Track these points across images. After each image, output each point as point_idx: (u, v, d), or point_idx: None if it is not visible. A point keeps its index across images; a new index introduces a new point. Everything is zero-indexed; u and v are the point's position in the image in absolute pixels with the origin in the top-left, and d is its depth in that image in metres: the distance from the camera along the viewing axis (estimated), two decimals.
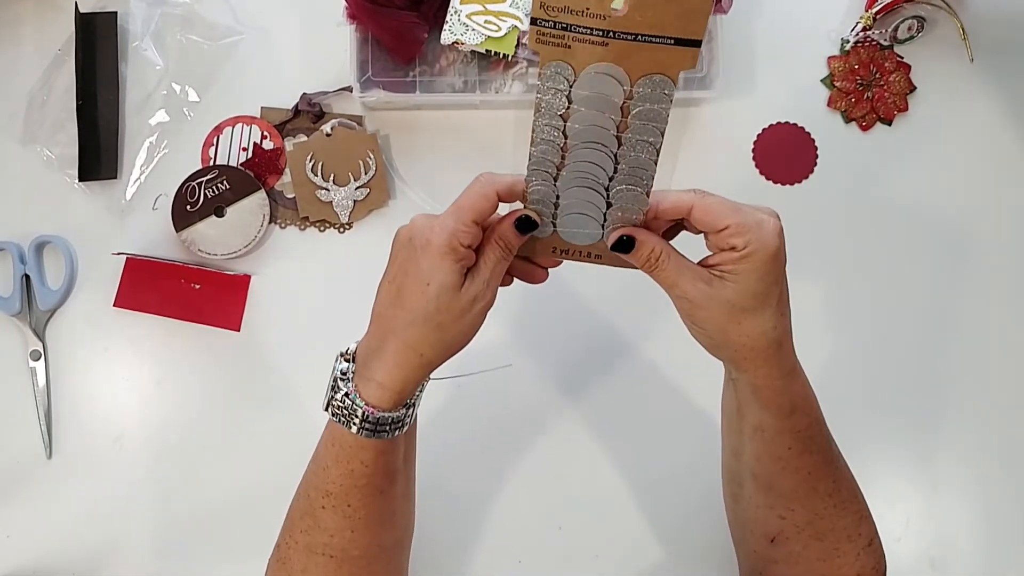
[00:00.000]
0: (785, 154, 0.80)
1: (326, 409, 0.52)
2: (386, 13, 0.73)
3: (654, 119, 0.46)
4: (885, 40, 0.80)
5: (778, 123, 0.80)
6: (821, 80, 0.81)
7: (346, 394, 0.51)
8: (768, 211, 0.49)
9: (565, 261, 0.53)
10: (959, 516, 0.77)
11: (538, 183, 0.49)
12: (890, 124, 0.81)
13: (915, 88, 0.81)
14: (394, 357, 0.50)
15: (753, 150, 0.80)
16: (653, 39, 0.43)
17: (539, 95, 0.46)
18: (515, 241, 0.50)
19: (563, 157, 0.48)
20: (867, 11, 0.80)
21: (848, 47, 0.81)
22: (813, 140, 0.80)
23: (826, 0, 0.82)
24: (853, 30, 0.81)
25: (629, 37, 0.43)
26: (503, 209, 0.51)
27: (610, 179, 0.49)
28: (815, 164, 0.80)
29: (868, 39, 0.80)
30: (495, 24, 0.72)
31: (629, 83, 0.45)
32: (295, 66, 0.79)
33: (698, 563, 0.75)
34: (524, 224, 0.50)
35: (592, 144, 0.48)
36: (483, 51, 0.74)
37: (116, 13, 0.79)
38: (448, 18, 0.73)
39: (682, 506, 0.76)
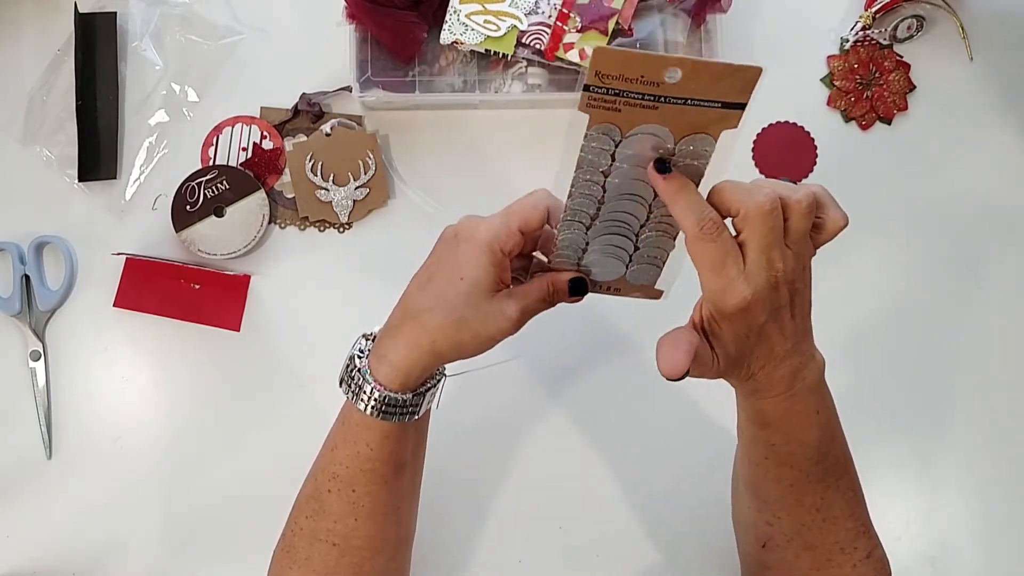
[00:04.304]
0: (785, 153, 0.80)
1: (340, 385, 0.53)
2: (386, 13, 0.73)
3: (693, 174, 0.47)
4: (884, 39, 0.80)
5: (778, 122, 0.80)
6: (821, 79, 0.81)
7: (358, 369, 0.51)
8: (758, 273, 0.46)
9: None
10: (959, 516, 0.77)
11: (569, 232, 0.50)
12: (890, 123, 0.81)
13: (915, 87, 0.81)
14: (407, 338, 0.50)
15: (753, 149, 0.80)
16: (702, 103, 0.44)
17: (583, 153, 0.46)
18: (562, 294, 0.52)
19: (599, 209, 0.49)
20: (866, 10, 0.80)
21: (847, 46, 0.81)
22: (813, 139, 0.80)
23: (826, 0, 0.82)
24: (852, 29, 0.81)
25: (679, 101, 0.44)
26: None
27: (641, 226, 0.50)
28: (815, 163, 0.80)
29: (867, 38, 0.80)
30: (494, 24, 0.72)
31: (673, 142, 0.46)
32: (295, 66, 0.79)
33: (699, 564, 0.75)
34: (576, 286, 0.52)
35: (629, 196, 0.48)
36: (482, 51, 0.74)
37: (116, 13, 0.79)
38: (447, 18, 0.73)
39: (683, 506, 0.76)
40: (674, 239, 0.50)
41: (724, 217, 0.47)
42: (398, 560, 0.60)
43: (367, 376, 0.51)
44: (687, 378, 0.47)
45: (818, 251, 0.79)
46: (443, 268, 0.51)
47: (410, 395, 0.51)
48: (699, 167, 0.47)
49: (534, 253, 0.54)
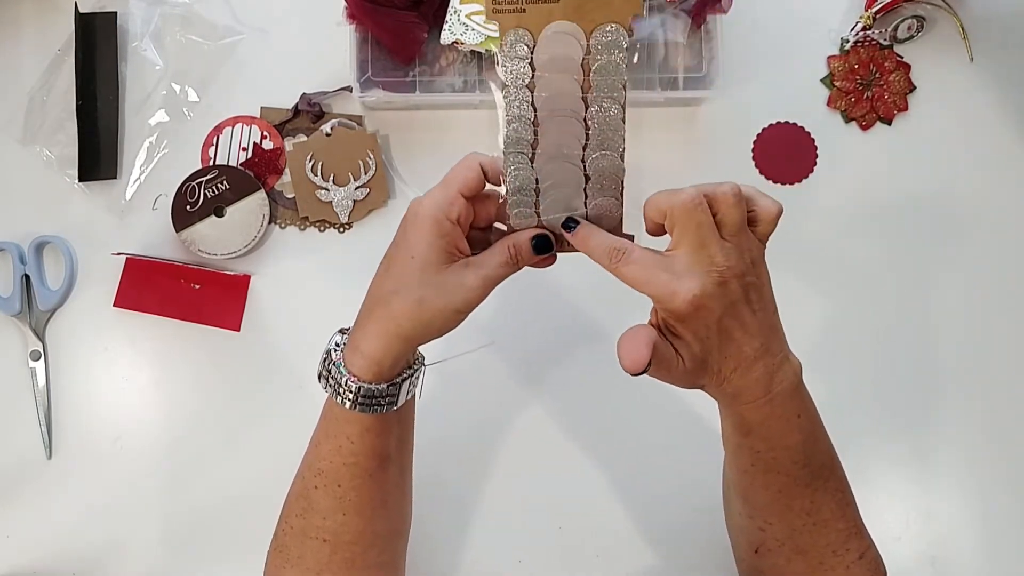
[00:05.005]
0: (785, 154, 0.80)
1: (319, 380, 0.53)
2: (386, 13, 0.73)
3: (613, 72, 0.47)
4: (885, 39, 0.80)
5: (778, 123, 0.80)
6: (821, 80, 0.81)
7: (334, 363, 0.52)
8: (699, 269, 0.46)
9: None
10: (959, 516, 0.77)
11: (516, 167, 0.50)
12: (890, 124, 0.81)
13: (915, 88, 0.81)
14: (374, 326, 0.50)
15: (753, 149, 0.80)
16: None
17: (503, 69, 0.47)
18: (526, 254, 0.51)
19: (536, 133, 0.49)
20: (867, 10, 0.80)
21: (848, 47, 0.81)
22: (813, 140, 0.80)
23: (826, 0, 0.82)
24: (853, 29, 0.81)
25: None
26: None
27: (584, 148, 0.50)
28: (815, 164, 0.80)
29: (868, 38, 0.80)
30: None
31: (585, 38, 0.47)
32: (295, 66, 0.79)
33: (698, 564, 0.75)
34: (540, 243, 0.51)
35: (562, 111, 0.48)
36: (483, 51, 0.74)
37: (116, 13, 0.79)
38: (448, 18, 0.73)
39: (683, 506, 0.76)
40: (622, 158, 0.50)
41: (661, 225, 0.49)
42: (390, 553, 0.60)
43: (342, 369, 0.51)
44: (655, 379, 0.48)
45: (818, 251, 0.80)
46: (398, 251, 0.51)
47: (385, 385, 0.51)
48: (618, 63, 0.47)
49: (495, 224, 0.53)
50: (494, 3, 0.46)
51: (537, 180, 0.50)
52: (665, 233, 0.49)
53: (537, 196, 0.51)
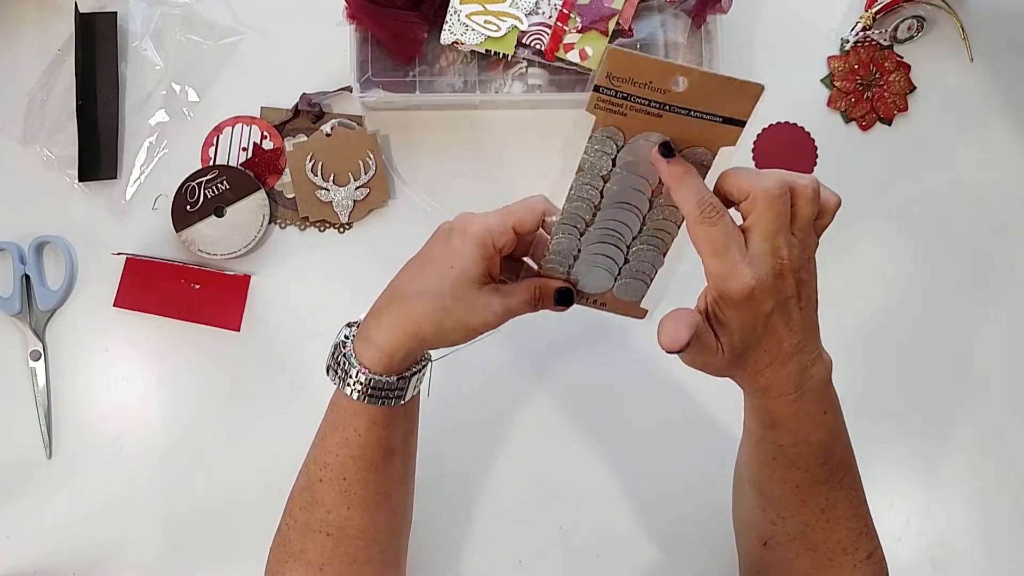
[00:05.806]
0: (785, 154, 0.80)
1: (328, 372, 0.53)
2: (386, 13, 0.73)
3: (696, 163, 0.47)
4: (885, 40, 0.80)
5: (778, 123, 0.81)
6: (821, 80, 0.81)
7: (344, 354, 0.52)
8: (764, 260, 0.46)
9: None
10: (959, 516, 0.77)
11: (563, 236, 0.51)
12: (890, 124, 0.81)
13: (915, 88, 0.81)
14: (390, 318, 0.51)
15: (753, 150, 0.80)
16: (704, 115, 0.45)
17: (585, 156, 0.48)
18: (547, 301, 0.53)
19: (594, 215, 0.50)
20: (867, 11, 0.80)
21: (848, 47, 0.81)
22: (813, 140, 0.80)
23: (826, 0, 0.82)
24: (853, 30, 0.81)
25: (683, 111, 0.45)
26: None
27: (633, 238, 0.51)
28: (815, 164, 0.80)
29: (868, 39, 0.81)
30: (495, 24, 0.72)
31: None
32: (295, 66, 0.79)
33: (699, 564, 0.75)
34: (563, 296, 0.53)
35: (625, 205, 0.49)
36: (483, 51, 0.74)
37: (116, 13, 0.79)
38: (448, 18, 0.73)
39: (683, 506, 0.76)
40: (664, 255, 0.51)
41: (733, 203, 0.48)
42: (392, 551, 0.60)
43: (352, 360, 0.52)
44: (697, 371, 0.48)
45: (819, 251, 0.79)
46: (434, 258, 0.52)
47: (395, 378, 0.52)
48: (704, 158, 0.47)
49: (525, 258, 0.55)
50: (599, 100, 0.45)
51: (579, 250, 0.51)
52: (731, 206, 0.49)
53: (573, 261, 0.52)
